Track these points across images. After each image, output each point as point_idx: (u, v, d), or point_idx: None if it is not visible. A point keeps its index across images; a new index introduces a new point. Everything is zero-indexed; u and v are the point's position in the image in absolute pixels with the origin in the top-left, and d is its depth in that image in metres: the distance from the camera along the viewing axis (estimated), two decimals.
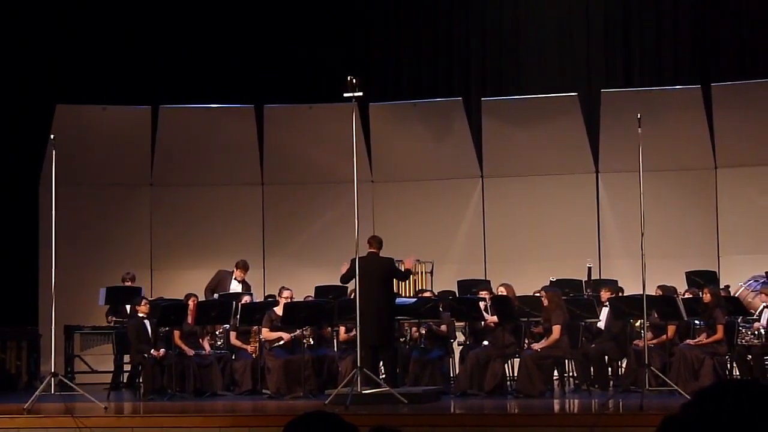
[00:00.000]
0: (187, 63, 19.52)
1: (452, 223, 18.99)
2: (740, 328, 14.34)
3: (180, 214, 19.20)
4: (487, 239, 18.88)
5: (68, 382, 13.68)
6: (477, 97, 19.30)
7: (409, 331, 15.24)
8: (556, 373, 14.72)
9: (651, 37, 19.59)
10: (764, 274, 15.88)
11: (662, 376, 12.63)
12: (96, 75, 19.15)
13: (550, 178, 18.63)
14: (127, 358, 15.70)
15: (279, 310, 14.51)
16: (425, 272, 17.83)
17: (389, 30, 20.32)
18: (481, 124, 18.90)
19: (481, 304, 14.52)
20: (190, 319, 14.94)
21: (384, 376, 13.38)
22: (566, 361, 14.80)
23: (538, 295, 14.64)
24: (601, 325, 14.86)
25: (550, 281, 15.72)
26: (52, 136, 13.82)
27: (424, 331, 14.94)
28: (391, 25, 20.35)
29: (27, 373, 16.56)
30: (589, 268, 17.15)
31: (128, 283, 17.01)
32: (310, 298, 15.69)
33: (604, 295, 15.07)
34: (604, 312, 14.80)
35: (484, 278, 17.17)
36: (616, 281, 16.27)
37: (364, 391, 12.24)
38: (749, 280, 16.12)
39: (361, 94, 12.86)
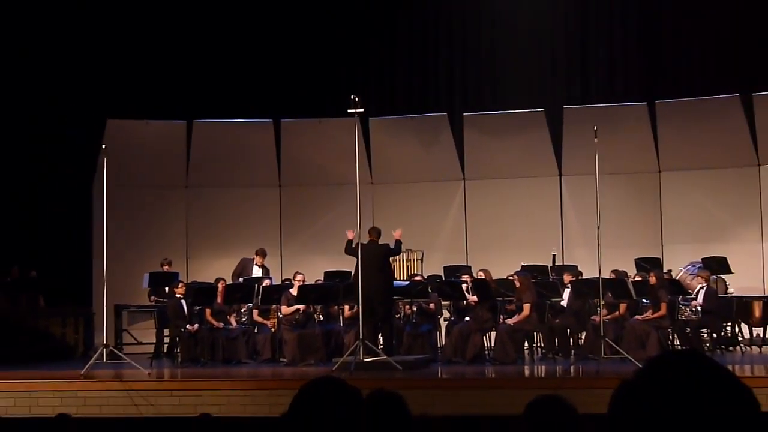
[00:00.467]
0: (216, 85, 19.49)
1: (439, 218, 18.97)
2: (680, 305, 14.35)
3: (210, 212, 19.18)
4: (469, 232, 18.87)
5: (117, 352, 13.66)
6: (460, 112, 19.29)
7: (402, 308, 15.23)
8: (526, 344, 14.71)
9: (605, 62, 19.58)
10: (700, 260, 15.89)
11: (615, 346, 12.61)
12: (141, 95, 19.12)
13: (521, 180, 18.62)
14: (166, 331, 15.69)
15: (294, 291, 14.50)
16: (416, 259, 17.83)
17: (386, 56, 20.30)
18: (463, 135, 18.89)
19: (464, 286, 14.51)
20: (219, 299, 14.92)
21: (382, 346, 13.37)
22: (535, 333, 14.80)
23: (511, 278, 14.64)
24: (564, 303, 14.85)
25: (521, 266, 15.70)
26: (104, 146, 13.80)
27: (415, 309, 14.94)
28: (387, 52, 20.32)
29: (83, 345, 16.53)
30: (554, 256, 17.18)
31: (166, 267, 16.98)
32: (320, 281, 15.68)
33: (567, 278, 15.06)
34: (567, 292, 14.80)
35: (466, 264, 17.15)
36: (576, 266, 16.23)
37: (365, 360, 12.23)
38: (688, 266, 16.13)
39: (362, 110, 12.85)
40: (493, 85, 19.96)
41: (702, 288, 14.54)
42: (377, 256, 13.56)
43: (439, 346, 14.82)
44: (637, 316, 13.97)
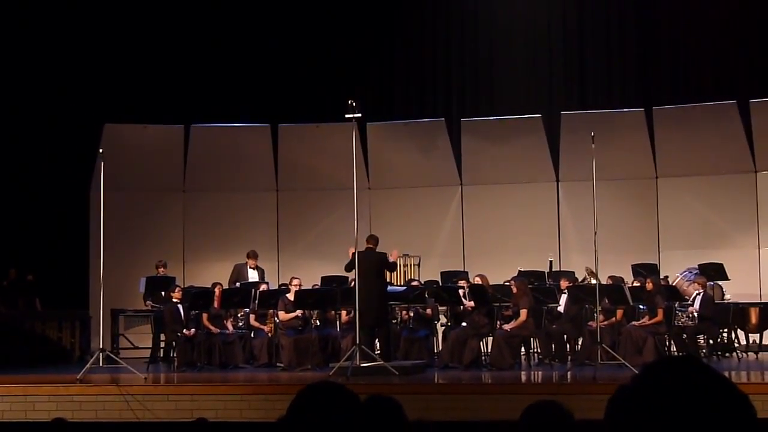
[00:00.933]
0: (214, 89, 19.50)
1: (436, 223, 18.98)
2: (677, 311, 14.37)
3: (207, 216, 19.17)
4: (466, 237, 18.88)
5: (114, 356, 13.63)
6: (457, 118, 19.31)
7: (399, 313, 15.23)
8: (523, 349, 14.71)
9: (602, 68, 19.62)
10: (697, 266, 15.90)
11: (612, 352, 12.63)
12: (138, 99, 19.13)
13: (518, 185, 18.63)
14: (163, 336, 15.68)
15: (291, 296, 14.51)
16: (413, 264, 17.83)
17: (384, 61, 20.32)
18: (461, 141, 18.91)
19: (461, 292, 14.51)
20: (216, 304, 14.92)
21: (379, 351, 13.37)
22: (531, 339, 14.81)
23: (508, 283, 14.64)
24: (561, 309, 14.86)
25: (519, 272, 15.71)
26: (101, 150, 13.79)
27: (412, 314, 14.94)
28: (385, 57, 20.35)
29: (79, 349, 16.52)
30: (551, 261, 17.17)
31: (161, 270, 16.95)
32: (317, 286, 15.68)
33: (563, 283, 15.06)
34: (563, 298, 14.80)
35: (463, 270, 17.15)
36: (573, 272, 16.27)
37: (362, 365, 12.23)
38: (684, 272, 16.15)
39: (360, 115, 12.84)
40: (490, 90, 19.98)
41: (698, 294, 14.55)
42: (374, 263, 13.58)
43: (436, 351, 14.82)
44: (633, 322, 13.98)
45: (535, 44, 19.85)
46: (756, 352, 15.52)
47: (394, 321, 14.95)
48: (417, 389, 11.20)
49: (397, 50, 20.45)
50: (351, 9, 20.01)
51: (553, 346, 14.79)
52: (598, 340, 12.50)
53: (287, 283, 15.37)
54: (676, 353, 14.03)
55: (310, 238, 19.06)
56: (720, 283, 16.08)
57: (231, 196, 19.18)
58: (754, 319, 15.43)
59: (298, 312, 14.45)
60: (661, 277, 15.75)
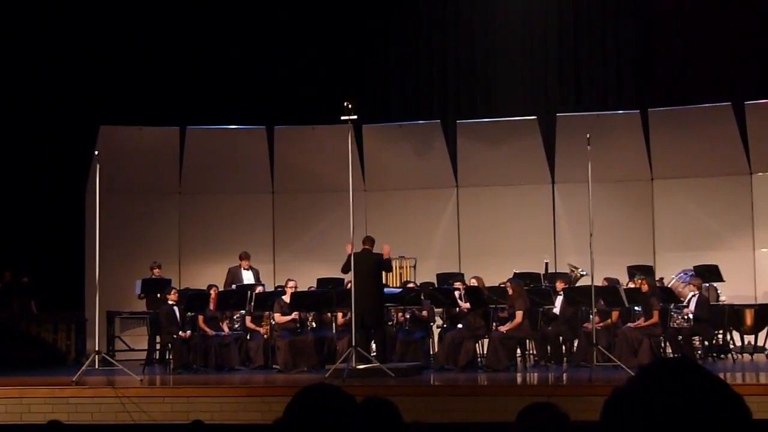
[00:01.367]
0: (210, 91, 19.49)
1: (432, 225, 18.97)
2: (672, 313, 14.38)
3: (203, 218, 19.16)
4: (461, 239, 18.87)
5: (109, 358, 13.62)
6: (453, 120, 19.30)
7: (395, 315, 15.24)
8: (518, 351, 14.72)
9: (598, 70, 19.64)
10: (692, 268, 15.92)
11: (608, 353, 12.63)
12: (134, 101, 19.13)
13: (514, 187, 18.63)
14: (158, 338, 15.67)
15: (287, 298, 14.51)
16: (409, 266, 17.83)
17: (379, 63, 20.33)
18: (456, 143, 18.91)
19: (456, 293, 14.52)
20: (212, 306, 14.92)
21: (375, 353, 13.37)
22: (527, 341, 14.81)
23: (503, 285, 14.64)
24: (557, 310, 14.87)
25: (514, 274, 15.71)
26: (96, 152, 13.81)
27: (408, 316, 14.94)
28: (381, 59, 20.35)
29: (75, 351, 16.52)
30: (546, 263, 17.18)
31: (156, 270, 16.95)
32: (313, 288, 15.68)
33: (559, 285, 15.08)
34: (559, 300, 14.82)
35: (458, 271, 17.14)
36: (569, 274, 16.28)
37: (358, 367, 12.23)
38: (680, 273, 16.17)
39: (355, 117, 12.84)
40: (486, 92, 20.00)
41: (694, 296, 14.57)
42: (370, 265, 13.59)
43: (431, 353, 14.82)
44: (629, 324, 14.00)
45: (531, 46, 19.87)
46: (751, 354, 15.55)
47: (389, 323, 14.95)
48: (413, 391, 11.20)
49: (392, 52, 20.46)
50: (347, 11, 20.02)
51: (548, 347, 14.80)
52: (594, 341, 12.51)
53: (283, 285, 15.37)
54: (671, 355, 14.04)
55: (306, 240, 19.05)
56: (715, 284, 16.10)
57: (227, 198, 19.17)
58: (749, 320, 15.45)
59: (294, 315, 14.46)
60: (657, 278, 15.75)
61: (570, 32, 19.76)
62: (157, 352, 16.01)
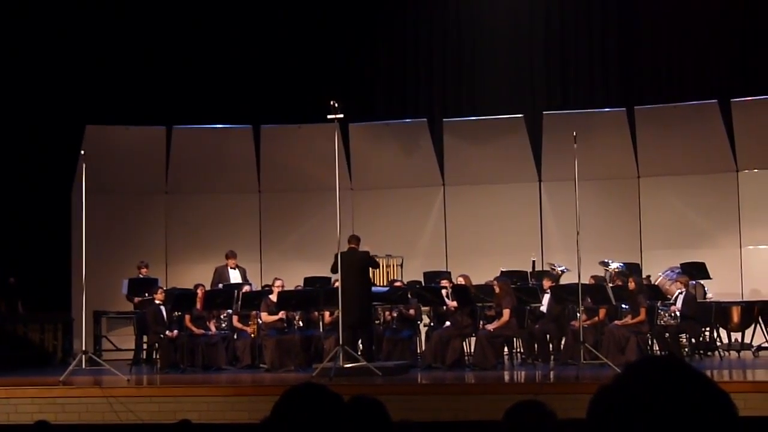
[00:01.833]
0: (196, 90, 19.45)
1: (419, 224, 18.98)
2: (659, 310, 14.41)
3: (190, 217, 19.13)
4: (448, 237, 18.88)
5: (96, 358, 13.58)
6: (439, 118, 19.31)
7: (382, 314, 15.23)
8: (506, 349, 14.74)
9: (584, 68, 19.66)
10: (679, 265, 15.95)
11: (595, 351, 12.64)
12: (120, 100, 19.09)
13: (501, 186, 18.65)
14: (145, 338, 15.64)
15: (274, 297, 14.50)
16: (396, 265, 17.81)
17: (366, 62, 20.32)
18: (443, 141, 18.92)
19: (443, 292, 14.51)
20: (198, 305, 14.90)
21: (362, 352, 13.36)
22: (514, 339, 14.82)
23: (490, 284, 14.64)
24: (544, 309, 14.88)
25: (501, 272, 15.71)
26: (82, 152, 13.77)
27: (395, 315, 14.94)
28: (367, 58, 20.34)
29: (62, 351, 16.47)
30: (533, 261, 17.20)
31: (143, 270, 16.91)
32: (300, 287, 15.67)
33: (546, 283, 15.09)
34: (546, 298, 14.83)
35: (445, 270, 17.15)
36: (554, 272, 16.29)
37: (345, 366, 12.22)
38: (666, 271, 16.19)
39: (342, 115, 12.84)
40: (472, 91, 20.01)
41: (681, 293, 14.61)
42: (357, 262, 13.58)
43: (419, 351, 14.82)
44: (616, 322, 14.00)
45: (517, 44, 19.88)
46: (738, 351, 15.59)
47: (377, 321, 14.95)
48: (400, 390, 11.20)
49: (379, 50, 20.45)
50: (332, 10, 20.00)
51: (535, 345, 14.82)
52: (581, 339, 12.52)
53: (270, 284, 15.36)
54: (658, 352, 14.07)
55: (293, 239, 19.04)
56: (702, 282, 16.14)
57: (213, 198, 19.15)
58: (735, 317, 15.50)
59: (281, 314, 14.45)
60: (644, 276, 15.77)
61: (556, 31, 19.77)
62: (144, 352, 15.98)
